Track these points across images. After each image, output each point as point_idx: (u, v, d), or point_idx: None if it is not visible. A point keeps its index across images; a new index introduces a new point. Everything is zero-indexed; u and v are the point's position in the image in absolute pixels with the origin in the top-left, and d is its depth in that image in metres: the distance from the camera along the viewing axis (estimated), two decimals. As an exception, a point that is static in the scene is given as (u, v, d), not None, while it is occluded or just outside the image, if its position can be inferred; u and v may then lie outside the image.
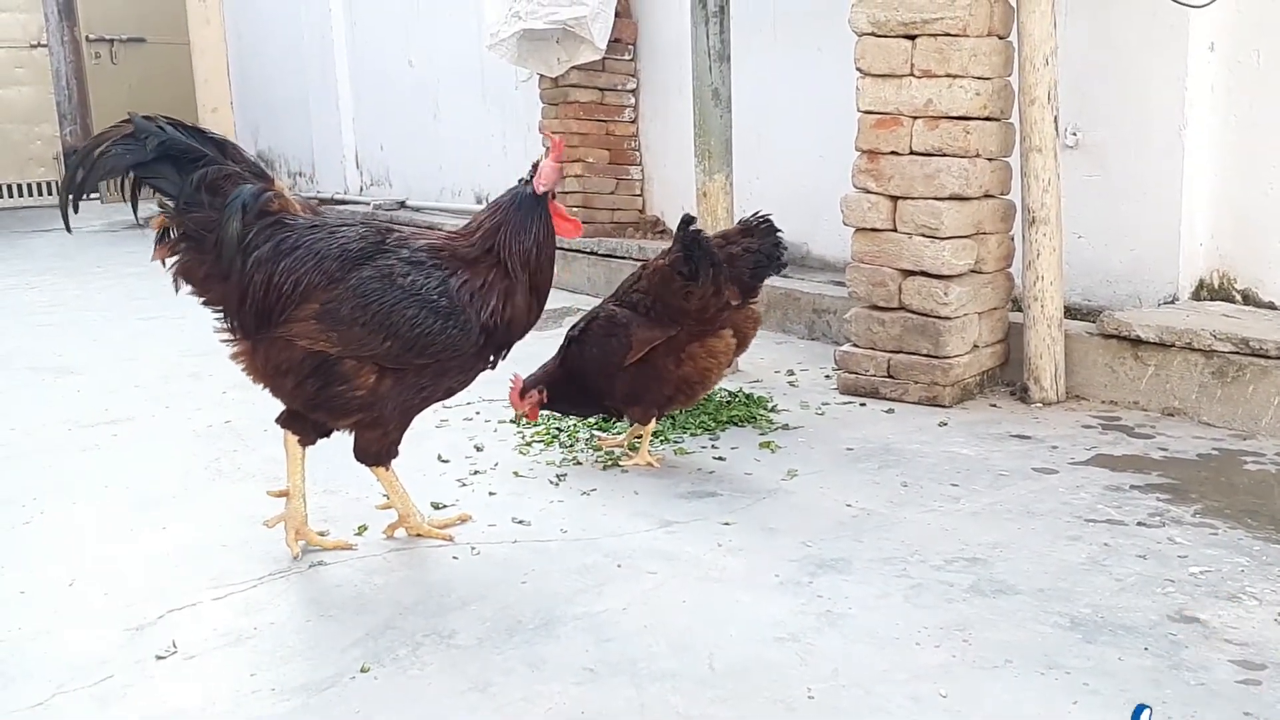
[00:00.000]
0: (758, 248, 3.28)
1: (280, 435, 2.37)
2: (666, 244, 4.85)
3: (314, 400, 2.25)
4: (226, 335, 2.26)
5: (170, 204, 2.18)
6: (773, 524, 2.49)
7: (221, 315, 2.25)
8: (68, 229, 2.29)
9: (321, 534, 2.42)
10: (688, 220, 2.82)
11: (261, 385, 2.30)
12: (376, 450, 2.35)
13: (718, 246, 3.37)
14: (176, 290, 2.26)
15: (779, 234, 3.36)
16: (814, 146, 5.00)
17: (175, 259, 2.21)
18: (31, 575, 2.29)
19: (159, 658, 1.91)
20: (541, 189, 2.31)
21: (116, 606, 2.12)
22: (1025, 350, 3.50)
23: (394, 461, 2.40)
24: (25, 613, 2.11)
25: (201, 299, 2.25)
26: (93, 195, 12.48)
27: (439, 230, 2.40)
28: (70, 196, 2.23)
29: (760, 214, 3.39)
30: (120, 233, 9.09)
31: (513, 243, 2.26)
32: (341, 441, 2.38)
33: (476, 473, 2.88)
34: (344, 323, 2.17)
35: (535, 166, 2.32)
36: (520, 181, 2.34)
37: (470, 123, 7.69)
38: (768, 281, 3.52)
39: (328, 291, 2.17)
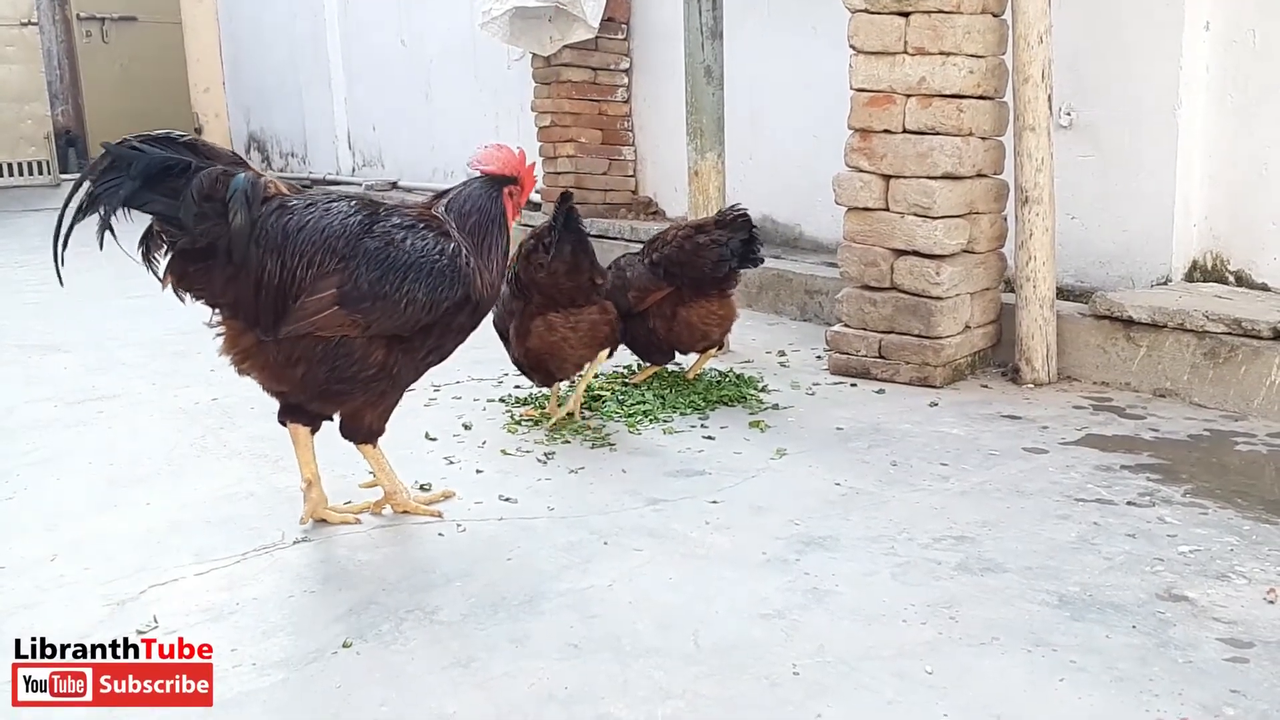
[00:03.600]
0: (725, 241, 3.26)
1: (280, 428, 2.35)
2: (660, 225, 4.85)
3: (323, 387, 2.20)
4: (223, 331, 2.19)
5: (174, 228, 2.07)
6: (761, 502, 2.48)
7: (229, 314, 2.17)
8: (60, 282, 2.12)
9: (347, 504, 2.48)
10: (566, 196, 2.88)
11: (264, 380, 2.24)
12: (369, 428, 2.33)
13: (687, 236, 3.36)
14: (202, 305, 2.19)
15: (753, 230, 3.34)
16: (808, 126, 4.98)
17: (188, 279, 2.13)
18: (13, 550, 2.27)
19: (140, 633, 1.90)
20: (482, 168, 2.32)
21: (98, 581, 2.11)
22: (1017, 331, 3.48)
23: (380, 440, 2.37)
24: (6, 587, 2.10)
25: (217, 304, 2.17)
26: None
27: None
28: (62, 248, 2.09)
29: (738, 207, 3.37)
30: (111, 212, 9.01)
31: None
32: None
33: (464, 451, 2.86)
34: (366, 299, 2.13)
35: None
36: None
37: (463, 103, 7.65)
38: (762, 265, 3.52)
39: (340, 274, 2.13)
